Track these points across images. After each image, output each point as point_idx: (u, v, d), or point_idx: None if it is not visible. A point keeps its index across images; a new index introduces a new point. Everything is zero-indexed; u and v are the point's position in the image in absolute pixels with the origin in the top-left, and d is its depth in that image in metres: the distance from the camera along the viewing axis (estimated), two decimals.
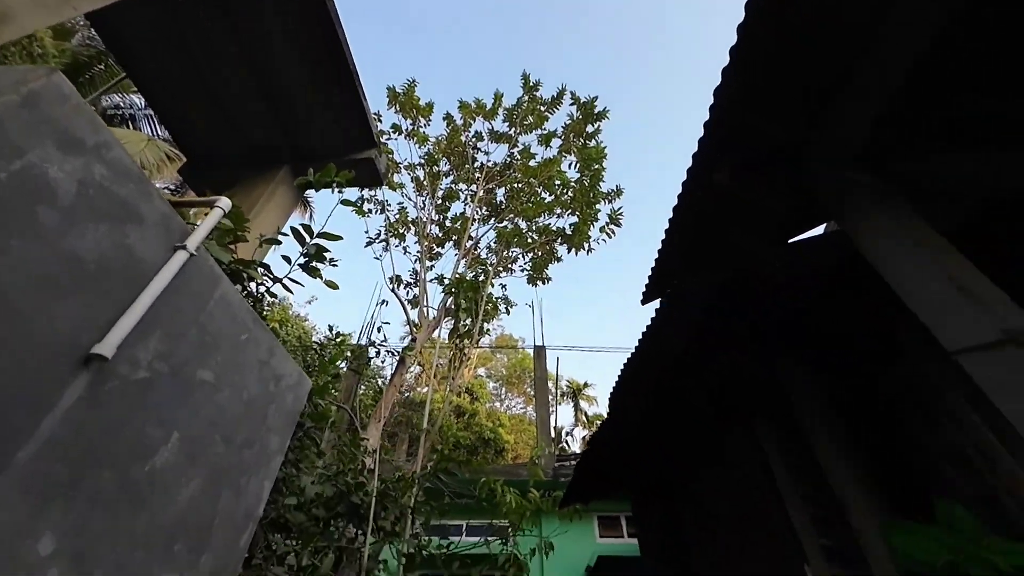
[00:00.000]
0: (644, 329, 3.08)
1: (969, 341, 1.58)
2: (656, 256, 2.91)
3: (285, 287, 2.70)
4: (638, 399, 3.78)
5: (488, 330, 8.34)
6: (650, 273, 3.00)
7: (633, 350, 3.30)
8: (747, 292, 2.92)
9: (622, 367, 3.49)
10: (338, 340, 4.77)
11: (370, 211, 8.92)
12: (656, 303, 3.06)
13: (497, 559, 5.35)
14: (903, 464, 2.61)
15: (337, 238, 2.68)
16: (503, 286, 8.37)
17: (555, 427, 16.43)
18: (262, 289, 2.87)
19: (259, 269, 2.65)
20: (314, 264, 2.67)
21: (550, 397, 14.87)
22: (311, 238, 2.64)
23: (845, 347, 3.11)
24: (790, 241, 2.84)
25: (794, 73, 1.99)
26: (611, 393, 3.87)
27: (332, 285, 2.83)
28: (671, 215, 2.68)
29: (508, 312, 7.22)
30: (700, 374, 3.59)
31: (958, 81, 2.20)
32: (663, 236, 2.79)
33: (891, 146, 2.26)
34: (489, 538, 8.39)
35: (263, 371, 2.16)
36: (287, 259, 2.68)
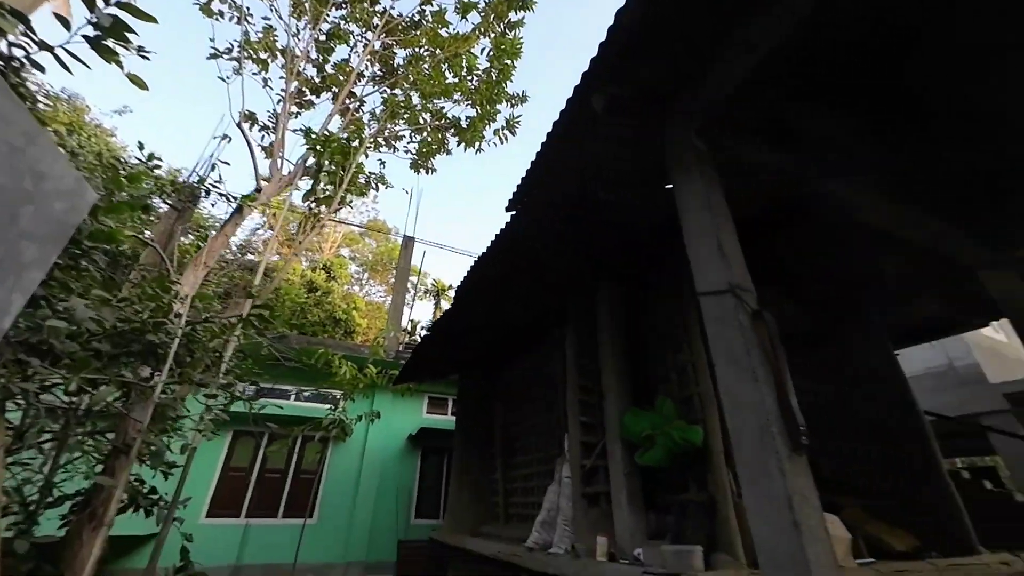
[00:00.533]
0: (499, 231, 3.27)
1: (710, 287, 2.13)
2: (528, 167, 3.02)
3: (59, 61, 2.00)
4: (481, 293, 4.12)
5: (351, 202, 7.71)
6: (519, 183, 3.12)
7: (486, 249, 3.51)
8: (591, 219, 3.29)
9: (473, 262, 3.71)
10: (150, 163, 3.84)
11: (221, 15, 6.84)
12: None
13: (322, 421, 5.62)
14: (650, 371, 3.51)
15: (149, 18, 2.04)
16: (382, 163, 7.67)
17: (411, 319, 16.94)
18: (19, 53, 2.09)
19: (16, 23, 1.88)
20: (109, 43, 2.02)
21: (410, 288, 15.06)
22: (107, 3, 1.96)
23: (646, 282, 3.85)
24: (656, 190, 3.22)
25: (684, 22, 2.11)
26: (458, 285, 4.13)
27: (137, 81, 2.21)
28: (550, 129, 2.76)
29: (377, 189, 6.70)
30: (537, 282, 4.06)
31: (792, 91, 2.64)
32: (539, 148, 2.88)
33: (733, 126, 2.65)
34: (319, 404, 8.65)
35: (14, 159, 1.66)
36: (64, 22, 1.95)
